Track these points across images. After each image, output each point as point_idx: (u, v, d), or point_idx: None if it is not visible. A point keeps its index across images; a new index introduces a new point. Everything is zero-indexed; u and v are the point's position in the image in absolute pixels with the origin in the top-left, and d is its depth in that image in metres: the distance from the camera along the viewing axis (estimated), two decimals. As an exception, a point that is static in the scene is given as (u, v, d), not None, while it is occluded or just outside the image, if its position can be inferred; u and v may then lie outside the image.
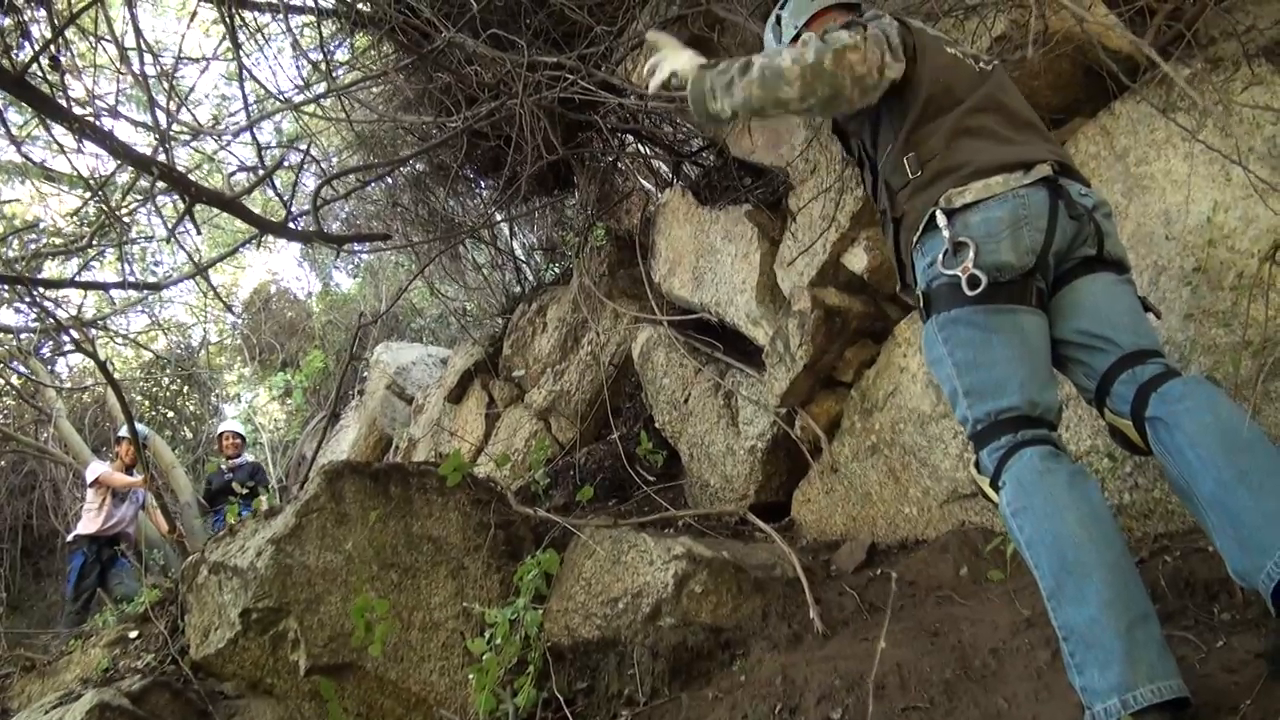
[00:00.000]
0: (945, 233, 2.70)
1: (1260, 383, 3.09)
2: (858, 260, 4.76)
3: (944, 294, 2.71)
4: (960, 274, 2.64)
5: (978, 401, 2.64)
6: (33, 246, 8.21)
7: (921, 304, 2.84)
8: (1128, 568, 2.25)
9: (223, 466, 10.77)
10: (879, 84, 2.93)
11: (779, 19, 3.56)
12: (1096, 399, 2.64)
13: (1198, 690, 2.15)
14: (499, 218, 9.02)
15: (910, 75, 2.99)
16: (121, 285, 6.56)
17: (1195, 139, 3.36)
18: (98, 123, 4.75)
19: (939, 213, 2.74)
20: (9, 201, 12.14)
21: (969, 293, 2.61)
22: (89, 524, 9.32)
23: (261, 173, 5.32)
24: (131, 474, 9.60)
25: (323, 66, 6.54)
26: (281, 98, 6.47)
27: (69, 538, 9.78)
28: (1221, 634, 2.44)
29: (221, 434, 11.11)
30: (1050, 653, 2.68)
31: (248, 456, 11.35)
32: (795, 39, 3.37)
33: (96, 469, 9.54)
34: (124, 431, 9.89)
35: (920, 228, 2.81)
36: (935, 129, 2.91)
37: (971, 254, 2.63)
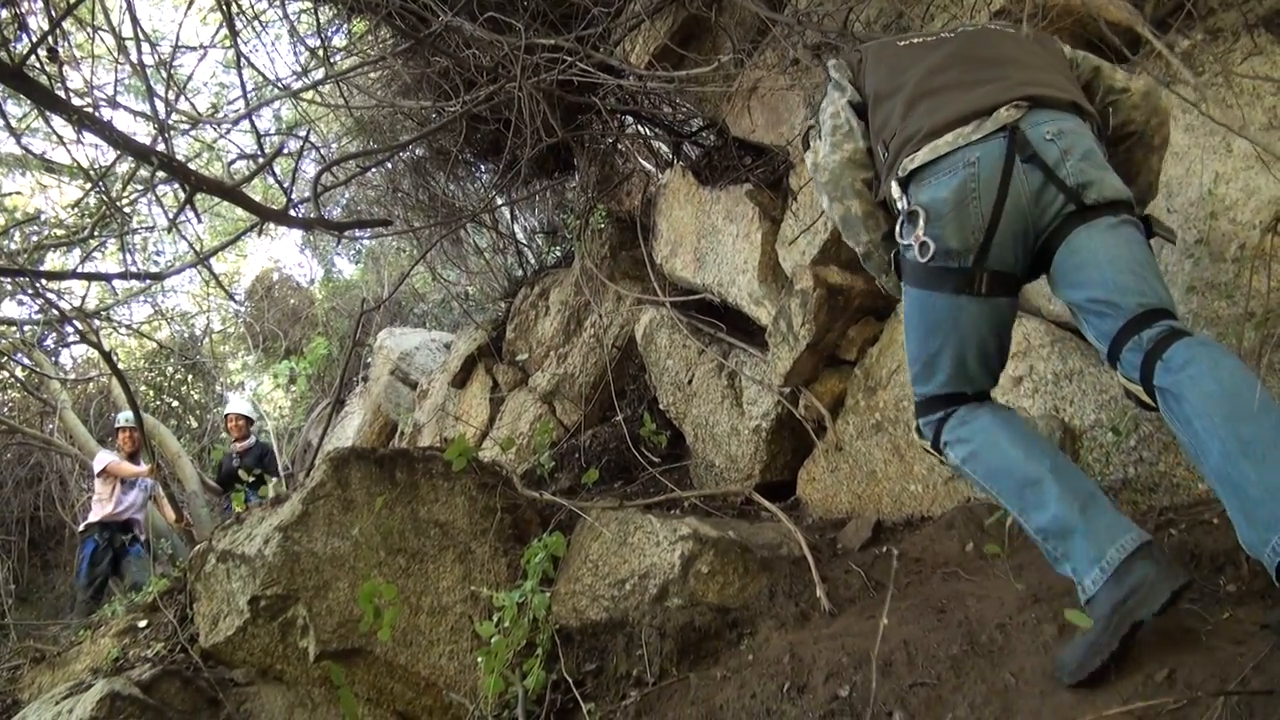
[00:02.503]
0: (900, 203, 2.80)
1: (1264, 355, 3.09)
2: (859, 238, 4.76)
3: (906, 267, 2.86)
4: (914, 242, 2.72)
5: (916, 380, 2.91)
6: (34, 239, 8.23)
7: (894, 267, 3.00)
8: (1065, 465, 2.55)
9: (231, 450, 10.73)
10: (843, 125, 3.09)
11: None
12: (1109, 361, 2.62)
13: (1203, 662, 2.16)
14: (500, 201, 9.01)
15: (860, 85, 3.14)
16: (124, 276, 6.57)
17: (1197, 109, 3.35)
18: (97, 113, 4.75)
19: (894, 184, 2.83)
20: (10, 194, 12.15)
21: (920, 260, 2.72)
22: (99, 512, 9.36)
23: (261, 160, 5.31)
24: (137, 461, 9.62)
25: (320, 52, 6.53)
26: (280, 85, 6.47)
27: (80, 527, 9.80)
28: (1227, 606, 2.45)
29: (226, 416, 11.06)
30: (1057, 627, 2.68)
31: (257, 438, 11.29)
32: None
33: (104, 459, 9.55)
34: (120, 421, 9.92)
35: (892, 203, 2.89)
36: (891, 108, 2.96)
37: (923, 221, 2.70)
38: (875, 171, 3.08)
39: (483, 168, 8.74)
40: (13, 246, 7.58)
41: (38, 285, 6.40)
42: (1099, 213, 2.65)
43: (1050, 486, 2.48)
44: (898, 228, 2.83)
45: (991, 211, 2.64)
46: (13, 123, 6.07)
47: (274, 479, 10.14)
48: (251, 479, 9.24)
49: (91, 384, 13.55)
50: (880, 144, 2.97)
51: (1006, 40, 3.06)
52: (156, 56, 6.00)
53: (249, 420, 10.96)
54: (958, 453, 2.76)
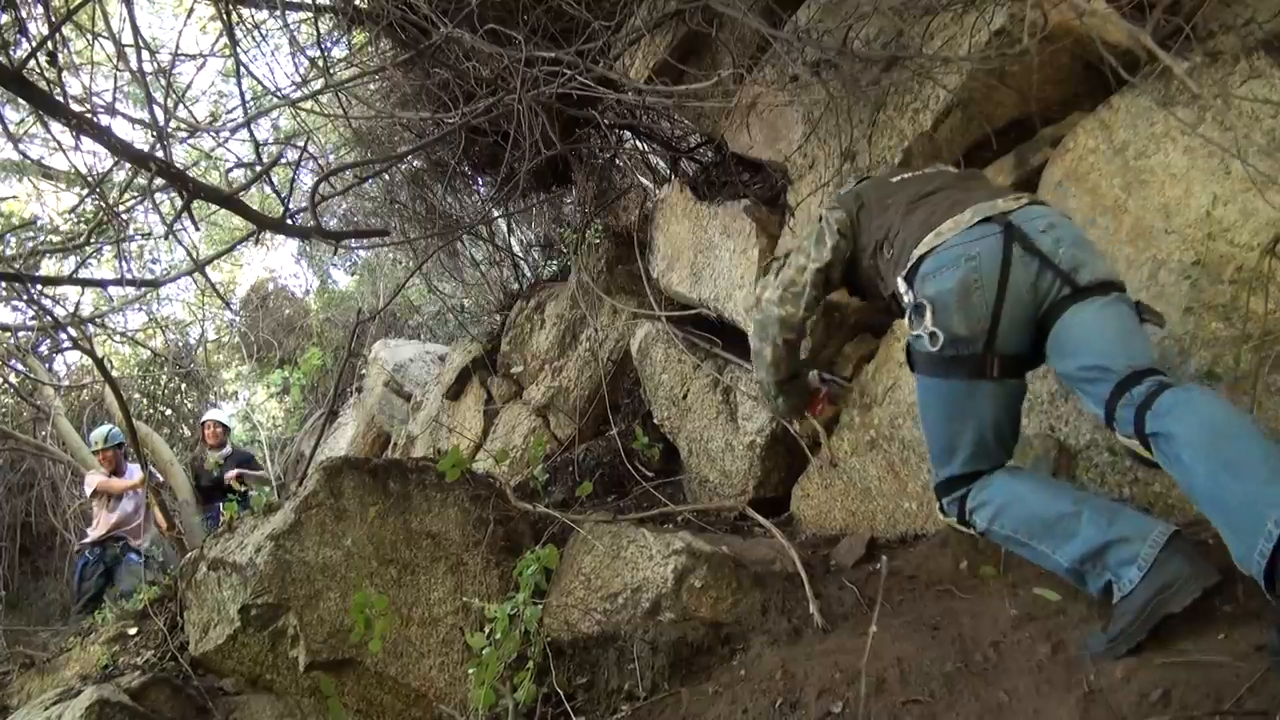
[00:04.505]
0: (907, 296, 3.10)
1: (1260, 376, 3.10)
2: (856, 255, 4.76)
3: (917, 357, 3.11)
4: (923, 332, 2.97)
5: (937, 463, 3.13)
6: (30, 244, 8.20)
7: (907, 356, 3.22)
8: (1085, 494, 2.82)
9: (209, 460, 10.69)
10: (797, 288, 3.74)
11: None
12: (1107, 425, 2.77)
13: (1199, 683, 2.16)
14: (497, 214, 9.01)
15: (856, 229, 3.61)
16: (119, 282, 6.54)
17: (1194, 133, 3.36)
18: (95, 119, 4.74)
19: (901, 280, 3.14)
20: (6, 199, 12.13)
21: (931, 349, 2.97)
22: (94, 532, 9.36)
23: (259, 169, 5.30)
24: (124, 475, 9.64)
25: (320, 63, 6.53)
26: (279, 94, 6.46)
27: (75, 547, 9.82)
28: (1222, 626, 2.44)
29: (204, 423, 11.06)
30: (1050, 646, 2.68)
31: (233, 447, 11.28)
32: None
33: (92, 480, 9.57)
34: (93, 442, 9.92)
35: (900, 297, 3.20)
36: (892, 216, 3.38)
37: (930, 314, 2.96)
38: (799, 332, 3.88)
39: (480, 180, 8.74)
40: (8, 251, 7.56)
41: (33, 290, 6.38)
42: (1091, 293, 2.89)
43: (1079, 513, 2.68)
44: (907, 319, 3.07)
45: (995, 299, 2.91)
46: (11, 128, 6.06)
47: (257, 477, 10.16)
48: (243, 489, 9.23)
49: (85, 391, 13.49)
50: (887, 245, 3.34)
51: (986, 180, 3.59)
52: (156, 64, 6.00)
53: (226, 429, 10.96)
54: (983, 516, 2.94)
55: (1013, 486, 2.90)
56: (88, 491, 9.56)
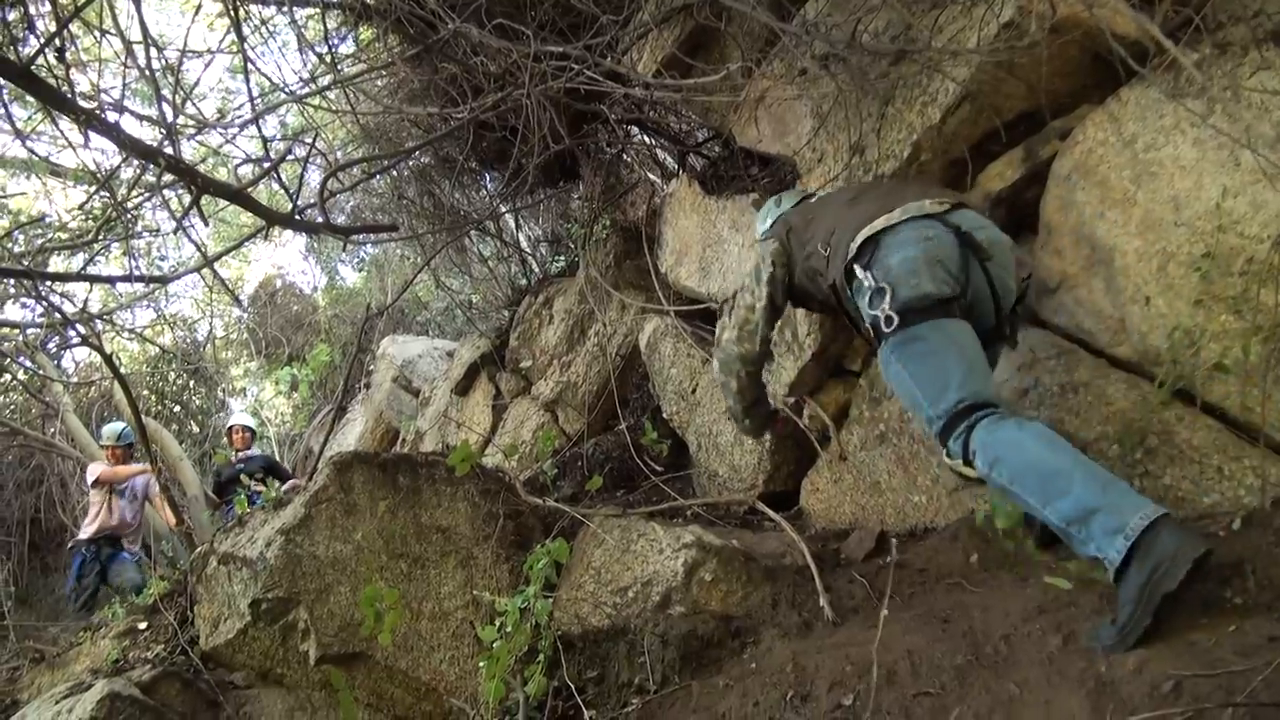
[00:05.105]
0: (866, 282, 3.31)
1: (1270, 369, 3.09)
2: (865, 249, 4.75)
3: (883, 327, 3.26)
4: (880, 315, 3.23)
5: (933, 402, 3.13)
6: (39, 241, 8.22)
7: (871, 335, 3.41)
8: (1085, 459, 2.79)
9: (232, 459, 10.74)
10: (751, 325, 4.03)
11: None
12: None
13: (1210, 674, 2.15)
14: (505, 210, 9.01)
15: (791, 252, 3.92)
16: (128, 279, 6.57)
17: (1206, 122, 3.34)
18: (103, 116, 4.75)
19: (854, 266, 3.37)
20: (15, 195, 12.15)
21: (886, 330, 3.22)
22: (89, 527, 9.34)
23: (267, 165, 5.31)
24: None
25: (327, 59, 6.53)
26: (287, 90, 6.46)
27: (69, 544, 9.82)
28: (1234, 618, 2.44)
29: (231, 428, 11.11)
30: (1062, 639, 2.67)
31: (257, 450, 11.34)
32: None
33: (95, 469, 9.56)
34: (103, 438, 9.93)
35: (846, 282, 3.45)
36: (822, 224, 3.72)
37: (888, 297, 3.21)
38: (759, 362, 4.16)
39: (488, 176, 8.74)
40: (17, 249, 7.57)
41: (41, 287, 6.39)
42: (1004, 331, 3.52)
43: (1073, 473, 2.70)
44: (868, 301, 3.31)
45: (959, 269, 3.24)
46: (19, 124, 6.07)
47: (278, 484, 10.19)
48: (256, 483, 9.25)
49: (93, 388, 13.53)
50: (824, 245, 3.61)
51: (924, 186, 3.76)
52: (164, 60, 6.01)
53: (253, 432, 11.02)
54: (984, 459, 2.95)
55: (1017, 435, 2.90)
56: (89, 480, 9.54)
